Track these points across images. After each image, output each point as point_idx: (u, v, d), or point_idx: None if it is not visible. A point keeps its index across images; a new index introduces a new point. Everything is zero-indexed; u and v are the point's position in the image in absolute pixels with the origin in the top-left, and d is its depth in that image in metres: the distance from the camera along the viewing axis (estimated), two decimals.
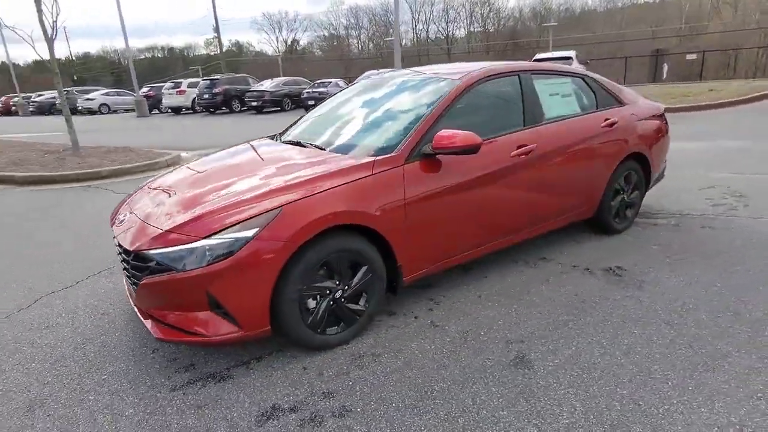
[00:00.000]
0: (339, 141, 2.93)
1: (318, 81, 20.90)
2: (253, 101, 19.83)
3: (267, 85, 20.62)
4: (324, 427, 1.90)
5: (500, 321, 2.63)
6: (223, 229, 2.11)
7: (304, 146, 2.99)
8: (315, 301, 2.34)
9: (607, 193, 3.65)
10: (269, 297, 2.16)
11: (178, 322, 2.20)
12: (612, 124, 3.55)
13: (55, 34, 8.11)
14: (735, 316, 2.55)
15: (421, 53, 58.85)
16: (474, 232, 2.89)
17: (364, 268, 2.44)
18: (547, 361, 2.26)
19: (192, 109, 22.66)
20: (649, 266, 3.23)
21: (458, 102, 2.85)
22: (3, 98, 31.16)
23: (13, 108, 29.04)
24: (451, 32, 61.26)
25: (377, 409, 1.98)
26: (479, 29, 60.00)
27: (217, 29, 34.64)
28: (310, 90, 19.37)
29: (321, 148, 2.87)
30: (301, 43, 68.04)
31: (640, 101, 3.99)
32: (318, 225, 2.20)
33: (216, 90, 20.75)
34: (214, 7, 30.96)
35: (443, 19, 61.21)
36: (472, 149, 2.54)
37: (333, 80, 20.16)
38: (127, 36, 20.11)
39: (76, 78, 60.58)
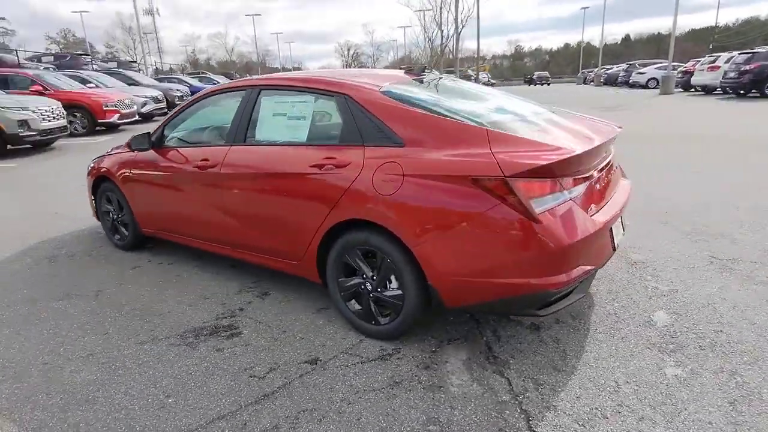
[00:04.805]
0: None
1: None
2: None
3: None
4: None
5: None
6: None
7: None
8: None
9: (326, 263, 2.61)
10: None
11: None
12: (339, 166, 2.45)
13: None
14: None
15: None
16: (185, 222, 3.36)
17: (118, 206, 3.89)
18: None
19: (723, 90, 19.18)
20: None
21: (184, 113, 3.36)
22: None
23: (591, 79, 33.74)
24: None
25: None
26: None
27: None
28: None
29: None
30: None
31: (469, 144, 2.16)
32: (98, 172, 3.93)
33: (747, 67, 16.59)
34: None
35: None
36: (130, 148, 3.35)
37: None
38: None
39: (711, 47, 58.85)
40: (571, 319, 2.67)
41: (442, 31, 13.74)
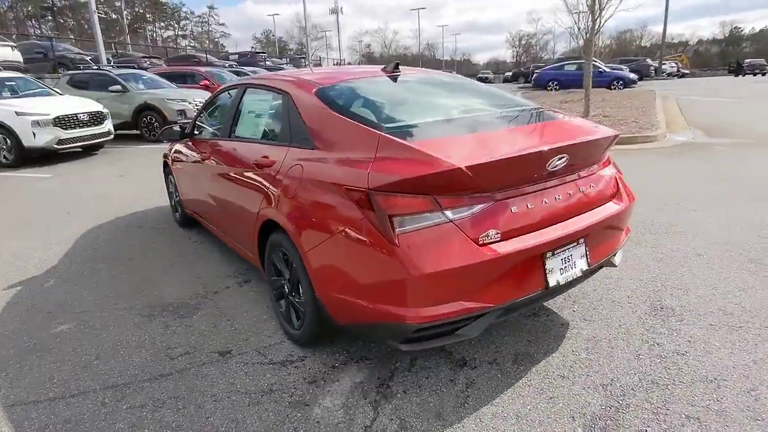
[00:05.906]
0: None
1: None
2: None
3: None
4: None
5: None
6: None
7: None
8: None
9: (263, 258, 2.65)
10: None
11: None
12: (267, 165, 2.46)
13: None
14: None
15: None
16: (212, 208, 3.52)
17: (175, 187, 4.45)
18: None
19: None
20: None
21: (208, 108, 3.68)
22: None
23: None
24: None
25: None
26: None
27: None
28: None
29: None
30: None
31: (348, 151, 1.99)
32: (165, 157, 4.57)
33: None
34: None
35: None
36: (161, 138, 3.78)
37: None
38: None
39: None
40: (511, 362, 2.24)
41: (593, 16, 12.09)
